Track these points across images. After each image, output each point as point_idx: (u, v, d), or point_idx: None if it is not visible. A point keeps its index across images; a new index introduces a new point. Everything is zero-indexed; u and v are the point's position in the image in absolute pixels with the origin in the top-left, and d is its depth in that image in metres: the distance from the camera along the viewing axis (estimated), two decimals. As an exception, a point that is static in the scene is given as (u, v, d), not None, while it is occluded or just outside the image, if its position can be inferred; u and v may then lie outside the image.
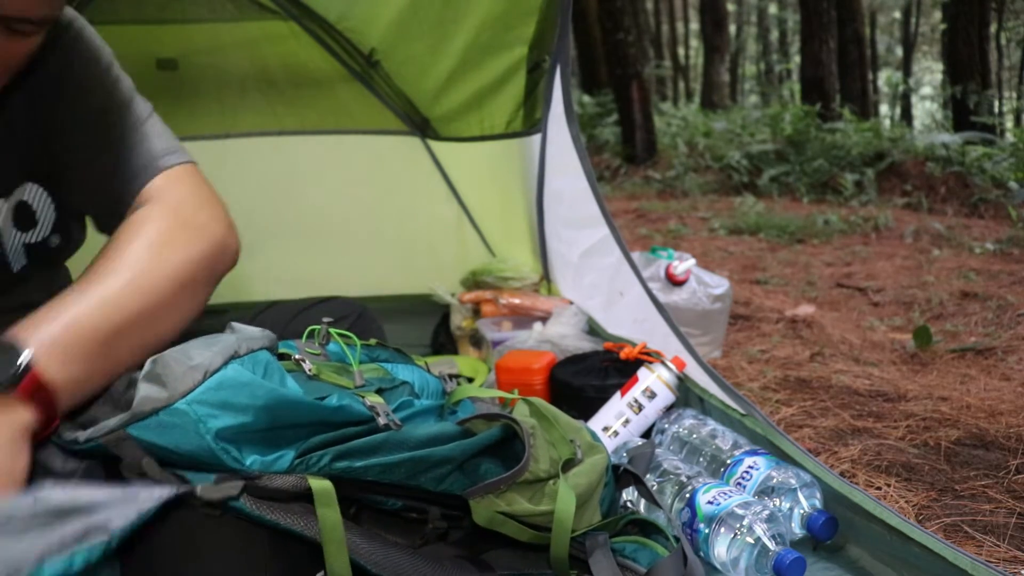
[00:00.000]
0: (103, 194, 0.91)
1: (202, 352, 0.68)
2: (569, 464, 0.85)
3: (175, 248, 0.84)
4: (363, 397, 0.79)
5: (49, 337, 0.71)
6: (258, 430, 0.67)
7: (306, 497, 0.68)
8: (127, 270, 0.80)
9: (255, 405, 0.67)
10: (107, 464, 0.71)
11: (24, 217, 0.92)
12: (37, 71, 0.87)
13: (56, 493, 0.57)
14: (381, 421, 0.75)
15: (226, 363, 0.68)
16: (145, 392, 0.65)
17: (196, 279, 0.85)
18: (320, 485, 0.68)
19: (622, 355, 1.47)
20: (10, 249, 0.90)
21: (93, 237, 0.99)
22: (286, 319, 1.12)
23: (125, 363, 0.76)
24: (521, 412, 0.89)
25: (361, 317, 1.16)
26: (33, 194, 0.93)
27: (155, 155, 0.90)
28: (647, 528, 0.90)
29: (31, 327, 0.72)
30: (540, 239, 2.02)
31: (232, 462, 0.66)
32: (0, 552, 0.52)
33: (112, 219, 0.89)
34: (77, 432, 0.68)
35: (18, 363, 0.68)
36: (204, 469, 0.67)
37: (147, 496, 0.60)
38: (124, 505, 0.58)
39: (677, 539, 0.85)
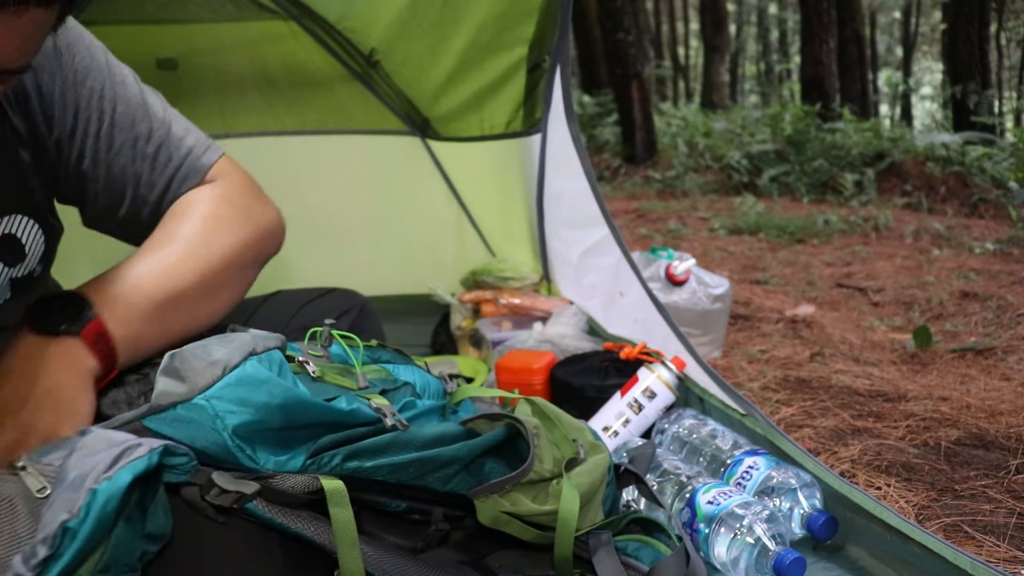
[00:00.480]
0: (146, 207, 0.91)
1: (221, 348, 0.68)
2: (572, 463, 0.85)
3: (226, 229, 0.87)
4: (368, 399, 0.79)
5: (111, 294, 0.76)
6: (272, 429, 0.67)
7: (317, 499, 0.68)
8: (184, 243, 0.83)
9: (272, 404, 0.66)
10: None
11: (12, 251, 0.87)
12: (31, 108, 0.84)
13: (95, 431, 0.61)
14: (388, 422, 0.75)
15: (244, 360, 0.68)
16: (164, 386, 0.65)
17: (244, 260, 0.89)
18: (332, 485, 0.68)
19: (622, 355, 1.47)
20: None
21: (77, 235, 0.98)
22: (291, 311, 1.12)
23: (179, 331, 0.81)
24: (523, 412, 0.90)
25: (363, 312, 1.17)
26: (21, 226, 0.87)
27: (195, 155, 0.92)
28: (649, 527, 0.90)
29: (95, 284, 0.77)
30: (540, 239, 2.02)
31: (247, 460, 0.66)
32: (59, 492, 0.54)
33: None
34: (92, 425, 0.68)
35: (83, 310, 0.73)
36: (218, 467, 0.67)
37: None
38: (152, 441, 0.60)
39: (680, 538, 0.85)
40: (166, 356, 0.67)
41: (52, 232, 0.92)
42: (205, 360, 0.66)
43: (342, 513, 0.67)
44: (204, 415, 0.64)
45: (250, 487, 0.64)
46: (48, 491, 0.55)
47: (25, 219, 0.88)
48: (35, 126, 0.85)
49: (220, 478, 0.64)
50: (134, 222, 0.92)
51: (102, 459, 0.55)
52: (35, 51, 0.68)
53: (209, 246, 0.84)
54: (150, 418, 0.65)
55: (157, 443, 0.58)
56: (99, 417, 0.71)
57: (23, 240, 0.88)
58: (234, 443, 0.65)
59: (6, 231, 0.86)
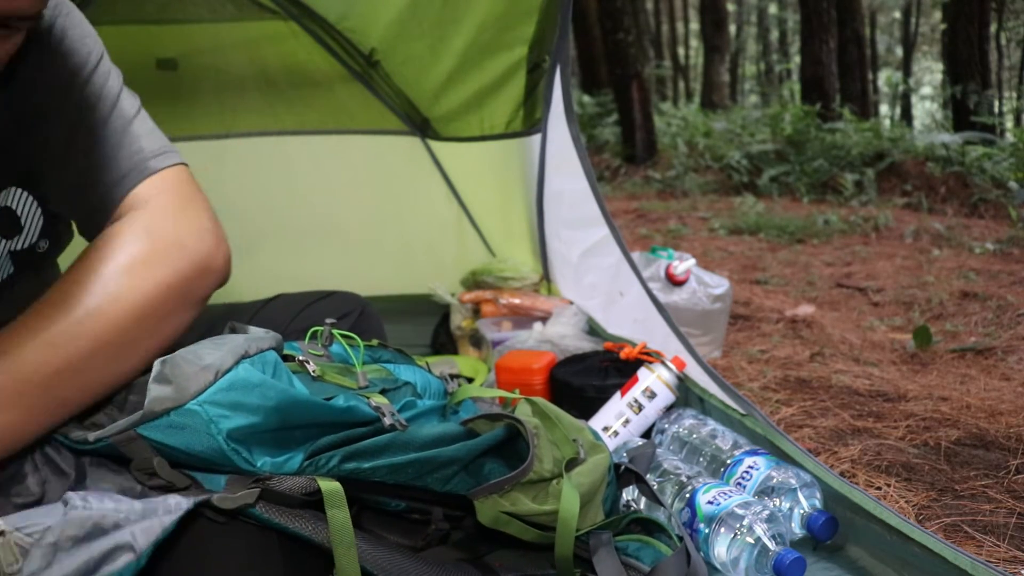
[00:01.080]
0: (87, 198, 0.85)
1: (212, 352, 0.68)
2: (572, 464, 0.85)
3: (147, 271, 0.76)
4: (368, 398, 0.79)
5: None
6: (268, 431, 0.67)
7: (315, 499, 0.68)
8: (87, 299, 0.72)
9: (266, 406, 0.66)
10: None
11: (9, 224, 0.86)
12: (17, 74, 0.82)
13: (80, 507, 0.56)
14: (387, 421, 0.75)
15: (237, 363, 0.67)
16: (156, 393, 0.65)
17: (168, 307, 0.77)
18: (329, 486, 0.68)
19: (622, 355, 1.47)
20: None
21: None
22: (291, 315, 1.12)
23: (74, 404, 0.70)
24: (523, 412, 0.90)
25: (363, 314, 1.16)
26: (17, 199, 0.87)
27: (144, 156, 0.84)
28: (650, 527, 0.90)
29: None
30: (540, 239, 2.02)
31: (243, 463, 0.66)
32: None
33: (97, 224, 0.84)
34: (86, 432, 0.68)
35: None
36: (214, 470, 0.67)
37: (166, 508, 0.59)
38: (146, 520, 0.57)
39: (680, 538, 0.85)
40: (156, 363, 0.66)
41: (49, 206, 0.89)
42: (196, 365, 0.66)
43: (339, 515, 0.67)
44: (198, 420, 0.64)
45: (251, 496, 0.64)
46: (17, 567, 0.52)
47: (22, 192, 0.86)
48: (15, 98, 0.83)
49: (221, 500, 0.64)
50: (74, 209, 0.88)
51: (89, 558, 0.52)
52: None
53: (116, 299, 0.73)
54: (144, 426, 0.65)
55: (146, 540, 0.56)
56: (93, 428, 0.71)
57: (19, 212, 0.87)
58: (229, 447, 0.65)
59: (2, 204, 0.85)
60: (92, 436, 0.66)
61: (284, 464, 0.68)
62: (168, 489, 0.67)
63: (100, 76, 0.86)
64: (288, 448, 0.69)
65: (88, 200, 0.84)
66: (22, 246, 0.88)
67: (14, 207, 0.87)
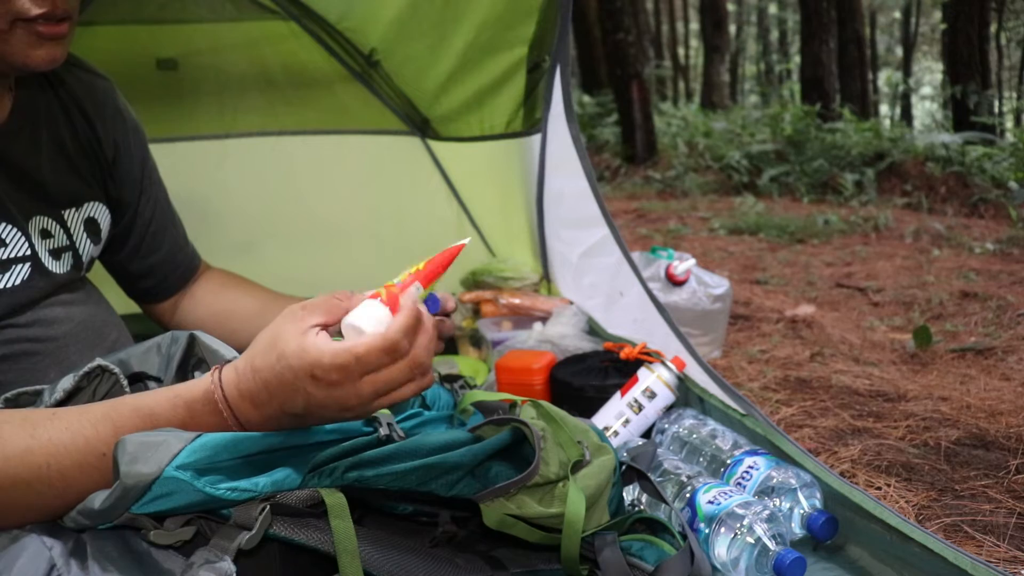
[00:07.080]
0: (167, 264, 1.19)
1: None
2: (578, 466, 0.85)
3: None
4: None
5: None
6: (257, 456, 0.67)
7: (319, 510, 0.68)
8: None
9: (242, 455, 0.66)
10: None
11: (93, 232, 1.05)
12: (101, 100, 1.07)
13: None
14: (383, 432, 0.75)
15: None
16: (128, 470, 0.63)
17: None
18: (333, 499, 0.68)
19: (622, 355, 1.47)
20: (84, 255, 1.03)
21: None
22: None
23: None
24: (528, 415, 0.89)
25: None
26: (100, 213, 1.06)
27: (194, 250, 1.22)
28: (654, 526, 0.90)
29: None
30: (540, 239, 2.02)
31: (243, 495, 0.65)
32: None
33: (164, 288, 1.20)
34: (79, 517, 0.66)
35: None
36: (219, 508, 0.66)
37: None
38: None
39: (684, 536, 0.85)
40: (117, 445, 0.64)
41: (115, 223, 1.12)
42: (158, 438, 0.65)
43: (342, 525, 0.67)
44: (180, 484, 0.63)
45: (267, 519, 0.65)
46: None
47: (101, 206, 1.07)
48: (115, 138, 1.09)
49: (247, 544, 0.64)
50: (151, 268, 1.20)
51: None
52: None
53: None
54: (135, 506, 0.63)
55: None
56: None
57: (100, 224, 1.07)
58: (222, 491, 0.64)
59: (89, 215, 1.04)
60: (90, 523, 0.65)
61: (284, 481, 0.68)
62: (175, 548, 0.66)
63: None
64: (286, 464, 0.69)
65: (168, 267, 1.20)
66: (97, 255, 1.08)
67: (97, 219, 1.06)
